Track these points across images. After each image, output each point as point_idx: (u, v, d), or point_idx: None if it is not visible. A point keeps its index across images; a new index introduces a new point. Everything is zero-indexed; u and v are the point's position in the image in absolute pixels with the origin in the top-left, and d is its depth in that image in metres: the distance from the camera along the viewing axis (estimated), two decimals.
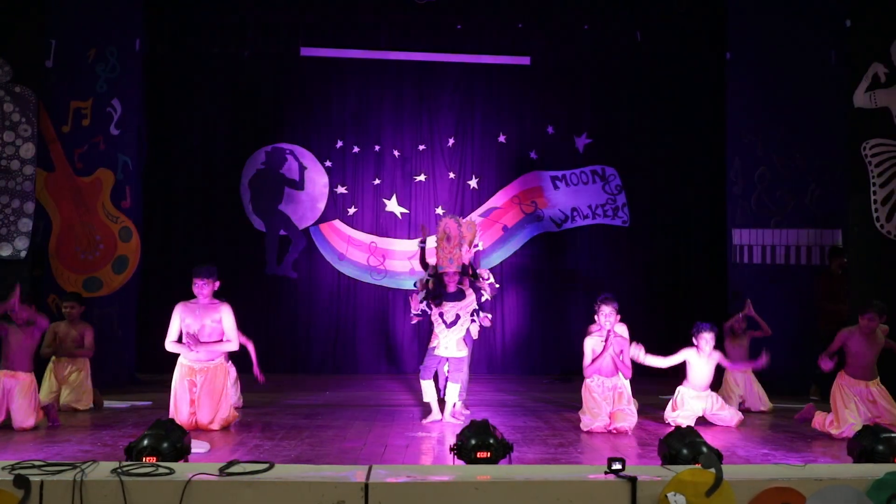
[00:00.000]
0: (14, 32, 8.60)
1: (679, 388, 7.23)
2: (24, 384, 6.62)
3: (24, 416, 6.54)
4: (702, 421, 6.93)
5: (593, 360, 6.91)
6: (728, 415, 7.12)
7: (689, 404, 7.10)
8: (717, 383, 7.95)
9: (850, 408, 6.64)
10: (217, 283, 6.81)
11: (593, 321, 7.21)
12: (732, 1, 9.72)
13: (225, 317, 6.78)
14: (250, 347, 7.39)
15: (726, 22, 9.83)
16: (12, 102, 8.59)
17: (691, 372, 7.22)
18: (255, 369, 7.55)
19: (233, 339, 6.81)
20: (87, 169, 9.28)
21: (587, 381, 6.97)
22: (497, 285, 7.66)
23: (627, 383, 7.02)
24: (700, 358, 7.17)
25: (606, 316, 6.90)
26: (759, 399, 7.95)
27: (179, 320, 6.71)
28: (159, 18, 10.09)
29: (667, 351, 7.37)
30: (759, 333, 8.07)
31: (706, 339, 7.14)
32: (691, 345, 7.22)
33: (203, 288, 6.69)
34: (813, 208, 9.35)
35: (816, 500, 4.01)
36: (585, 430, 6.71)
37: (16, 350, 6.67)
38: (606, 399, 6.84)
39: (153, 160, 10.39)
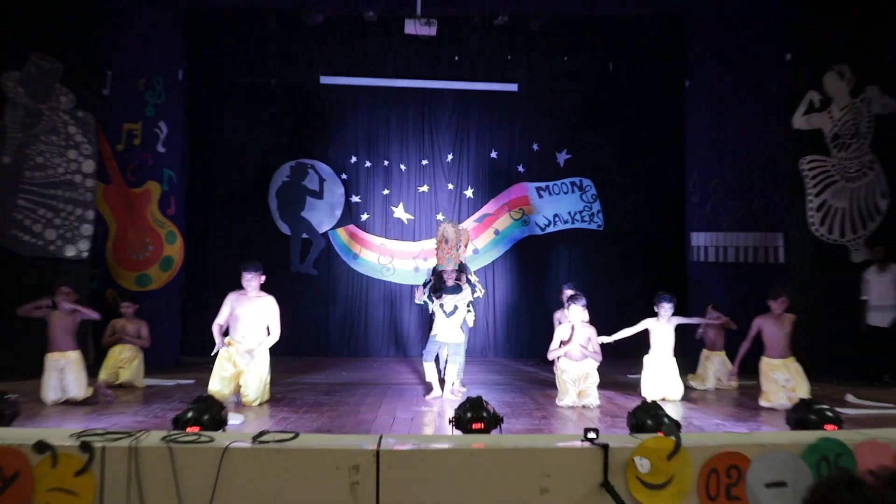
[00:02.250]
0: (76, 66, 8.66)
1: (645, 359, 7.20)
2: (74, 360, 6.59)
3: (78, 388, 6.51)
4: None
5: (560, 345, 6.87)
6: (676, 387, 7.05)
7: (652, 372, 7.07)
8: (693, 366, 7.96)
9: (775, 383, 6.72)
10: (263, 277, 6.73)
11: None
12: (690, 36, 9.72)
13: (271, 308, 6.71)
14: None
15: (685, 55, 9.83)
16: (75, 125, 8.64)
17: (653, 339, 7.17)
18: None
19: (275, 331, 6.74)
20: (137, 181, 9.33)
21: (560, 365, 6.91)
22: (484, 290, 7.60)
23: (594, 368, 6.88)
24: (659, 324, 7.13)
25: (575, 313, 6.81)
26: (729, 378, 7.78)
27: (230, 307, 6.63)
28: (198, 52, 10.10)
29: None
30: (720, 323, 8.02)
31: (665, 307, 7.10)
32: (653, 315, 7.18)
33: (251, 281, 6.61)
34: (759, 214, 9.38)
35: (759, 463, 4.04)
36: (560, 404, 6.71)
37: (60, 332, 6.61)
38: (576, 381, 6.77)
39: (194, 173, 10.41)
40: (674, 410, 5.97)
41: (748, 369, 8.13)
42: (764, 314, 6.94)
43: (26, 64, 8.55)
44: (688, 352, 8.12)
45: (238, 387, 6.61)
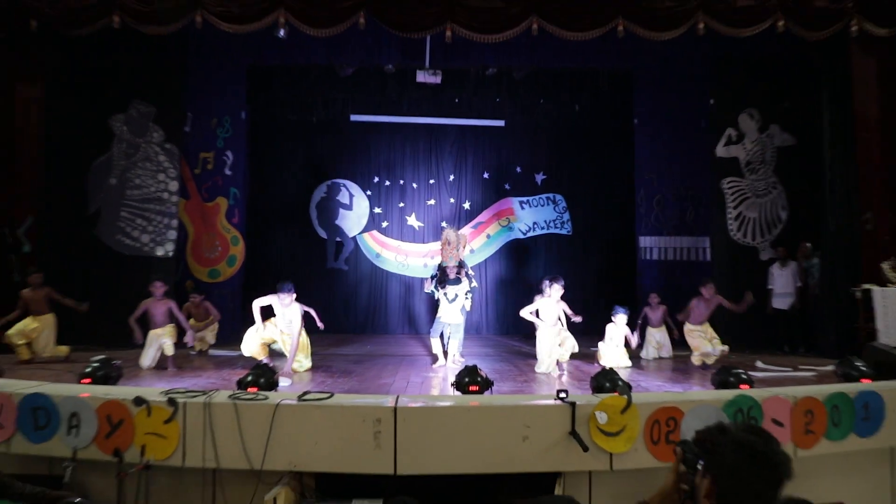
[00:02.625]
0: (165, 109, 8.72)
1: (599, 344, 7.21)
2: (168, 331, 6.74)
3: (170, 349, 6.70)
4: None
5: (535, 313, 6.80)
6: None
7: (608, 347, 7.12)
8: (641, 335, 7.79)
9: (700, 337, 7.04)
10: (294, 295, 6.57)
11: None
12: (637, 85, 9.72)
13: (295, 317, 6.55)
14: (313, 312, 7.01)
15: (633, 99, 9.83)
16: (164, 155, 8.70)
17: (610, 335, 7.15)
18: (317, 321, 7.04)
19: (295, 332, 6.54)
20: (210, 197, 9.35)
21: (539, 336, 6.80)
22: (477, 284, 7.56)
23: (569, 335, 6.76)
24: (616, 327, 7.12)
25: (556, 290, 6.74)
26: (669, 349, 7.76)
27: (269, 302, 6.60)
28: (257, 97, 10.09)
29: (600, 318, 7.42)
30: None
31: (620, 318, 7.08)
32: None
33: (284, 298, 6.49)
34: (690, 223, 9.39)
35: (691, 414, 4.06)
36: (538, 371, 6.67)
37: (158, 315, 6.76)
38: (554, 344, 6.64)
39: (252, 191, 10.41)
40: (626, 375, 5.99)
41: (683, 345, 8.17)
42: (697, 297, 7.16)
43: (129, 108, 8.63)
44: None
45: (268, 350, 6.69)
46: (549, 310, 6.79)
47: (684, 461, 1.73)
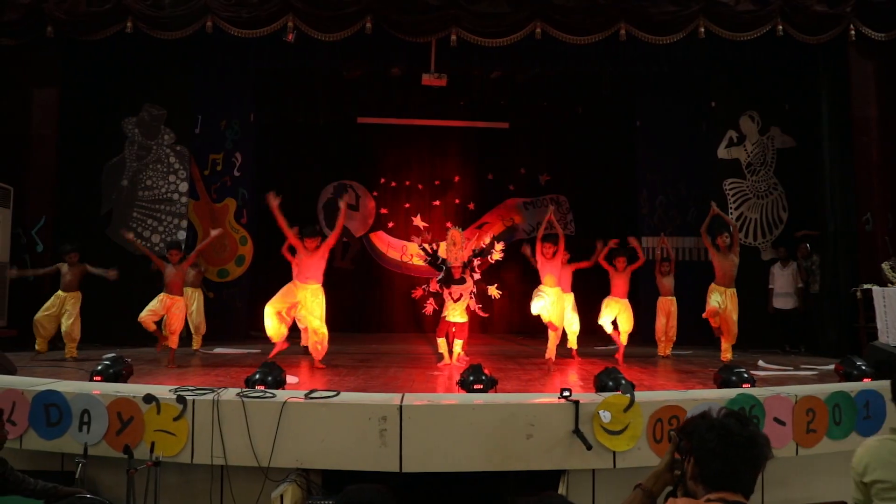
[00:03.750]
0: (176, 112, 8.74)
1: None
2: (180, 304, 6.73)
3: (178, 323, 6.64)
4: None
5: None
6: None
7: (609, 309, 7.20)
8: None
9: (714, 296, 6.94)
10: (318, 239, 6.59)
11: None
12: (638, 88, 9.67)
13: (325, 246, 6.63)
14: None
15: (635, 101, 9.79)
16: (175, 156, 8.73)
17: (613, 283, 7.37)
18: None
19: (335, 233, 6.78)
20: (219, 198, 9.36)
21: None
22: (478, 276, 7.56)
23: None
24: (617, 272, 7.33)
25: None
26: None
27: (294, 237, 6.58)
28: (265, 100, 10.09)
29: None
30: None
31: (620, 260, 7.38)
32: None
33: (311, 243, 6.53)
34: (692, 223, 9.29)
35: (693, 413, 4.03)
36: (533, 311, 6.73)
37: (173, 280, 6.70)
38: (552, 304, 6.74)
39: (261, 191, 10.34)
40: (631, 375, 5.95)
41: (690, 342, 8.12)
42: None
43: (140, 111, 8.67)
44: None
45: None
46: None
47: (678, 449, 1.82)
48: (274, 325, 6.50)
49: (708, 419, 1.74)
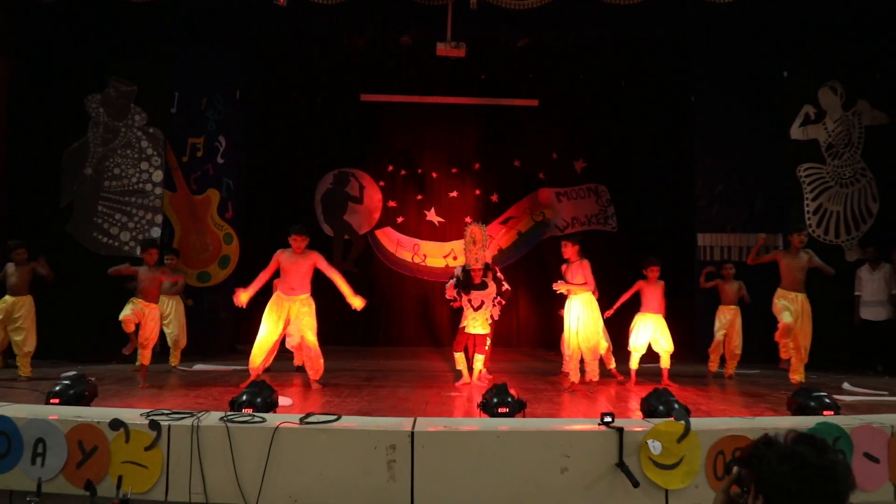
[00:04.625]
0: (149, 88, 8.80)
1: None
2: (155, 313, 6.80)
3: (152, 336, 6.72)
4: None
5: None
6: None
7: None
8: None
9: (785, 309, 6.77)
10: (308, 239, 6.71)
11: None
12: (694, 55, 9.59)
13: (319, 261, 6.73)
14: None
15: (689, 72, 9.71)
16: (147, 140, 8.81)
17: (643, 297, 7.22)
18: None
19: (336, 272, 6.84)
20: (199, 189, 9.41)
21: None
22: (508, 288, 7.54)
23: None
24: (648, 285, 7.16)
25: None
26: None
27: (277, 263, 6.67)
28: (252, 74, 10.15)
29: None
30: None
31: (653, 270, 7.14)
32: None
33: (301, 242, 6.62)
34: (760, 217, 9.22)
35: (757, 438, 3.96)
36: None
37: (148, 286, 6.74)
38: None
39: (249, 181, 10.47)
40: (685, 397, 5.88)
41: (755, 359, 8.00)
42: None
43: (107, 87, 8.76)
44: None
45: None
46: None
47: (738, 481, 1.78)
48: (263, 356, 6.58)
49: (777, 446, 1.70)
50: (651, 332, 7.05)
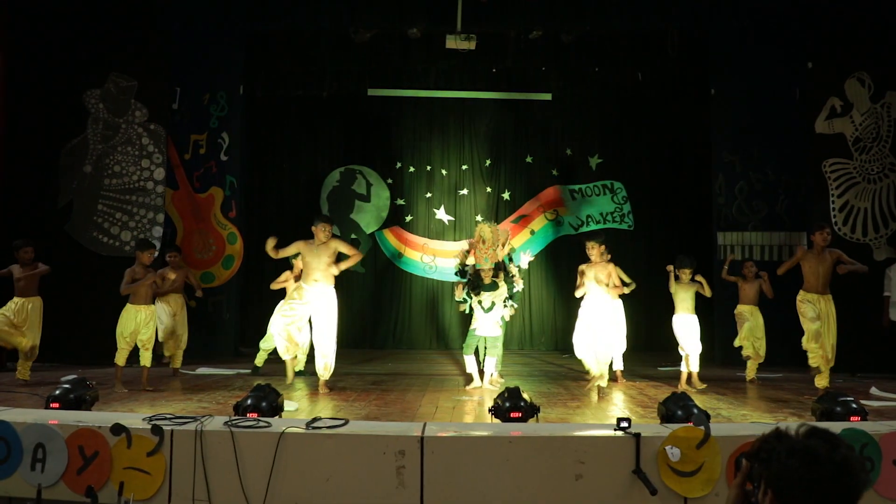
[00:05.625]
0: (150, 83, 8.84)
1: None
2: (150, 313, 6.86)
3: (151, 338, 6.82)
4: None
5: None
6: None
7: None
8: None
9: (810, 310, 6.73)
10: (332, 225, 6.89)
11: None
12: (713, 48, 9.54)
13: (339, 245, 6.86)
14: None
15: (709, 64, 9.65)
16: (148, 137, 8.84)
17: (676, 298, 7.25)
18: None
19: (356, 251, 6.97)
20: (202, 187, 9.44)
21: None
22: (521, 287, 7.54)
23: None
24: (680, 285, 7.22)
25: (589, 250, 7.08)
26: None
27: (297, 249, 6.81)
28: (256, 69, 10.18)
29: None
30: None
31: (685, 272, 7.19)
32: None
33: (327, 230, 6.74)
34: (782, 215, 9.17)
35: (766, 432, 3.93)
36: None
37: (139, 287, 6.79)
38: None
39: (253, 179, 10.52)
40: (704, 401, 5.85)
41: (777, 362, 7.95)
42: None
43: (106, 82, 8.80)
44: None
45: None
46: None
47: (750, 477, 1.78)
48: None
49: (787, 440, 1.69)
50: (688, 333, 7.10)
